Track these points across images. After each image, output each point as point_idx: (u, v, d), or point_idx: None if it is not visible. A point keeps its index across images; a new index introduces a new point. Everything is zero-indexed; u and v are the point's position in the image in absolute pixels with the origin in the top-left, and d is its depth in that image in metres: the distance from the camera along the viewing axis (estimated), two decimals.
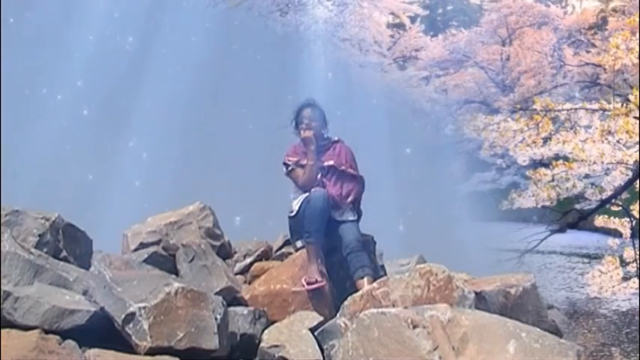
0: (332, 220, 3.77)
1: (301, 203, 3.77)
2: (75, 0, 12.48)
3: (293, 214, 3.86)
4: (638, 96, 6.81)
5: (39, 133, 10.88)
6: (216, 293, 3.19)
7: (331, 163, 3.92)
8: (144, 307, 2.72)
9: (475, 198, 15.81)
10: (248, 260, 4.07)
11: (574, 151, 7.28)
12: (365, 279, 3.54)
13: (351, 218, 3.85)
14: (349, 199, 3.87)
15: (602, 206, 8.12)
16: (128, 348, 2.70)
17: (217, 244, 4.10)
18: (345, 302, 3.24)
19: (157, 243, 3.91)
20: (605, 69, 13.22)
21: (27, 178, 9.35)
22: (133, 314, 2.71)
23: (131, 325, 2.71)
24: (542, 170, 8.30)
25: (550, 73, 16.71)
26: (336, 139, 4.07)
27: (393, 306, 3.02)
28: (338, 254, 3.75)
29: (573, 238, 11.78)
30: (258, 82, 13.28)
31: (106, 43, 12.01)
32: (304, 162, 3.89)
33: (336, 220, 3.79)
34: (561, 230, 8.79)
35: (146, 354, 2.67)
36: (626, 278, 7.23)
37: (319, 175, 3.88)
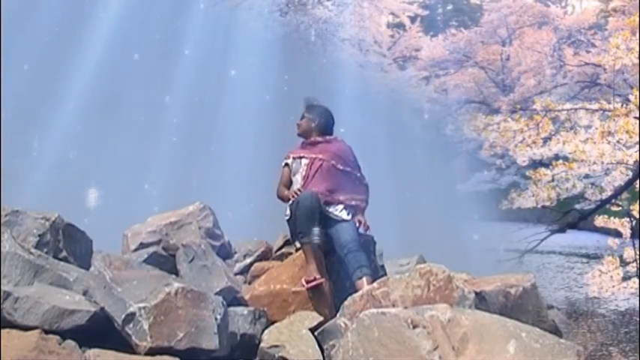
0: (329, 219, 3.77)
1: (292, 205, 3.78)
2: (82, 4, 12.50)
3: (288, 217, 3.86)
4: (638, 96, 6.80)
5: (43, 136, 10.92)
6: (216, 293, 3.18)
7: (320, 156, 3.92)
8: (144, 307, 2.72)
9: (475, 198, 15.78)
10: (248, 260, 4.07)
11: (574, 151, 7.27)
12: (364, 279, 3.52)
13: (347, 217, 3.83)
14: (340, 195, 3.85)
15: (602, 206, 8.11)
16: (128, 348, 2.70)
17: (217, 244, 4.10)
18: (345, 302, 3.24)
19: (157, 243, 3.91)
20: (605, 69, 13.20)
21: (28, 180, 9.37)
22: (133, 314, 2.71)
23: (131, 325, 2.71)
24: (542, 170, 8.28)
25: (550, 73, 16.71)
26: (334, 137, 4.08)
27: (393, 306, 3.02)
28: (337, 254, 3.74)
29: (573, 238, 11.78)
30: (258, 82, 13.29)
31: (109, 45, 12.01)
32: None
33: (331, 218, 3.78)
34: (561, 230, 8.78)
35: (146, 354, 2.68)
36: (625, 278, 7.23)
37: (306, 168, 3.87)
